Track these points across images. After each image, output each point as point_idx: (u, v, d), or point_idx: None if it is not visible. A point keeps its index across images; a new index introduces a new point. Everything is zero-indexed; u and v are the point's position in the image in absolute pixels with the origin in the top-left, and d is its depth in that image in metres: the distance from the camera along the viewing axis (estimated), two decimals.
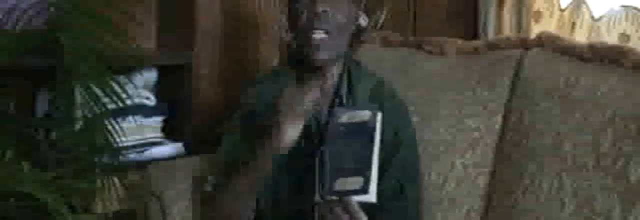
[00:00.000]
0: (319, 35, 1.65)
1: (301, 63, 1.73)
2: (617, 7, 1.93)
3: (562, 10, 2.05)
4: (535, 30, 2.06)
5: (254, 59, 2.46)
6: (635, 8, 1.90)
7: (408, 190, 1.71)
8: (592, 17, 1.98)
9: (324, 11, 1.65)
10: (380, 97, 1.76)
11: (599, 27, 1.96)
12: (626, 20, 1.91)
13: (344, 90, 1.75)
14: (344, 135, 1.41)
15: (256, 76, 1.96)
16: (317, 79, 1.73)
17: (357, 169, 1.39)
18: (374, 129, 1.42)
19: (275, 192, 1.74)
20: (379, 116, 1.44)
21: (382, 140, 1.62)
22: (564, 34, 2.02)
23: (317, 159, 1.70)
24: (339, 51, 1.71)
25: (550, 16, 2.06)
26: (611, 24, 1.94)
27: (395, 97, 1.80)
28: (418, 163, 1.78)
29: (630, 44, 1.87)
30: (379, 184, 1.67)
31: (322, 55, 1.67)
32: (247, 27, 2.43)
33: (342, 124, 1.42)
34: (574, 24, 2.02)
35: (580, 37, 1.98)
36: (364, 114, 1.42)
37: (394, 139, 1.71)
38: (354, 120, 1.42)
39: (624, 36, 1.91)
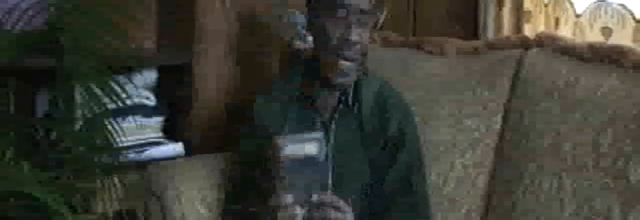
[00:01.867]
0: (347, 63, 1.67)
1: (317, 78, 1.74)
2: (597, 1, 1.94)
3: (545, 6, 2.06)
4: (526, 29, 2.06)
5: (254, 59, 2.46)
6: (614, 2, 1.91)
7: (415, 183, 1.72)
8: (576, 14, 1.99)
9: (356, 42, 1.65)
10: (384, 98, 1.78)
11: (581, 23, 1.97)
12: (606, 13, 1.91)
13: (350, 94, 1.76)
14: (292, 168, 1.34)
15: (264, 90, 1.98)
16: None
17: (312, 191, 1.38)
18: (325, 161, 1.39)
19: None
20: (324, 141, 1.37)
21: (386, 138, 1.72)
22: (549, 29, 2.04)
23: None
24: (360, 72, 1.73)
25: (540, 12, 2.07)
26: (593, 18, 1.94)
27: (398, 97, 1.82)
28: (422, 158, 1.78)
29: (613, 38, 1.89)
30: (385, 180, 1.70)
31: (345, 81, 1.69)
32: (248, 27, 2.43)
33: (289, 158, 1.34)
34: (557, 19, 2.02)
35: (565, 33, 1.98)
36: (310, 147, 1.34)
37: (399, 136, 1.74)
38: (300, 155, 1.34)
39: (606, 30, 1.91)
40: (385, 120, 1.75)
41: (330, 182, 1.73)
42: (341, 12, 1.66)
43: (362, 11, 1.67)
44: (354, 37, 1.65)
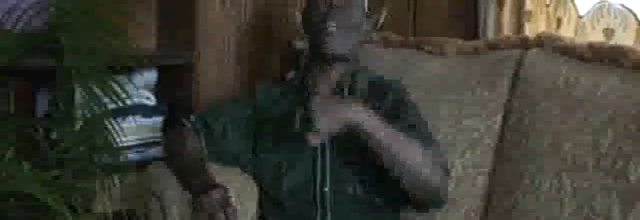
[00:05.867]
0: (332, 27, 1.73)
1: (312, 59, 1.80)
2: (601, 3, 1.94)
3: (547, 6, 2.06)
4: (527, 29, 2.06)
5: (254, 59, 2.46)
6: (618, 3, 1.91)
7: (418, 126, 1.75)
8: (578, 15, 1.99)
9: (340, 6, 1.74)
10: (378, 82, 1.83)
11: (584, 23, 1.97)
12: (609, 14, 1.92)
13: (346, 84, 1.80)
14: None
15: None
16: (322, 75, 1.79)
17: None
18: None
19: (282, 183, 1.79)
20: None
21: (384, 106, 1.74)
22: (550, 30, 2.03)
23: (318, 149, 1.76)
24: (349, 49, 1.78)
25: (541, 13, 2.07)
26: (595, 19, 1.94)
27: (395, 80, 1.86)
28: (423, 118, 1.80)
29: (615, 39, 1.89)
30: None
31: (334, 46, 1.74)
32: (248, 27, 2.43)
33: None
34: (559, 20, 2.02)
35: (567, 33, 1.98)
36: None
37: (392, 109, 1.76)
38: None
39: (609, 31, 1.91)
40: (381, 94, 1.79)
41: (328, 172, 1.74)
42: None
43: None
44: (336, 2, 1.74)
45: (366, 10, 1.88)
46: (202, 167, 1.73)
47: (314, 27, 1.77)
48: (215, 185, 1.62)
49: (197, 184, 1.65)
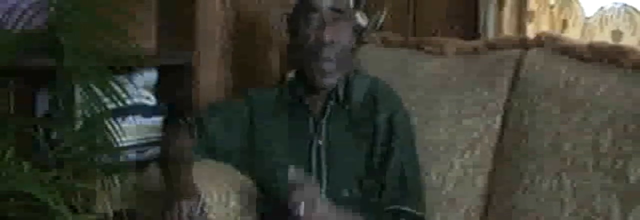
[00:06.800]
0: (327, 64, 1.73)
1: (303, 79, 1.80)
2: (609, 4, 1.93)
3: (551, 8, 2.05)
4: (529, 29, 2.06)
5: (254, 59, 2.46)
6: (627, 5, 1.90)
7: (407, 176, 1.74)
8: (585, 17, 1.98)
9: (331, 41, 1.72)
10: (374, 92, 1.82)
11: (591, 25, 1.96)
12: (618, 17, 1.91)
13: (340, 91, 1.80)
14: None
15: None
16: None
17: None
18: None
19: (277, 184, 1.77)
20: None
21: (376, 131, 1.75)
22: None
23: (313, 153, 1.77)
24: (345, 71, 1.79)
25: (543, 13, 2.06)
26: (603, 21, 1.94)
27: (388, 90, 1.86)
28: (413, 138, 1.81)
29: (623, 41, 1.89)
30: (378, 174, 1.72)
31: (330, 81, 1.76)
32: (248, 27, 2.43)
33: None
34: (565, 21, 2.02)
35: (573, 34, 1.98)
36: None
37: (388, 127, 1.76)
38: None
39: (617, 33, 1.90)
40: (374, 112, 1.79)
41: (324, 175, 1.75)
42: (313, 15, 1.74)
43: (333, 10, 1.74)
44: (327, 38, 1.71)
45: (360, 23, 1.88)
46: (182, 169, 1.69)
47: (307, 62, 1.76)
48: (188, 194, 1.57)
49: (172, 189, 1.61)
